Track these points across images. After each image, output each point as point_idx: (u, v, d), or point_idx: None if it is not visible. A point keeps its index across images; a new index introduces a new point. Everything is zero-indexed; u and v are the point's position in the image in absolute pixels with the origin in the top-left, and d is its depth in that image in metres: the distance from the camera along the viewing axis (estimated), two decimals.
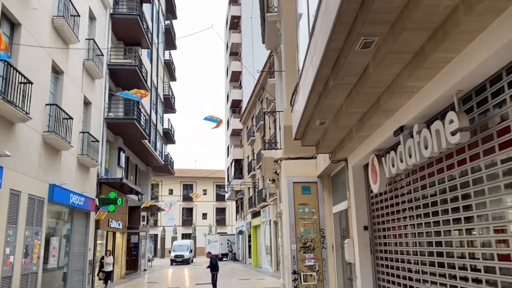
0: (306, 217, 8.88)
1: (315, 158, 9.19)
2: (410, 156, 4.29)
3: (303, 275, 8.56)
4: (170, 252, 41.32)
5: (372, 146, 5.61)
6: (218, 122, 11.70)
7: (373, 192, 6.51)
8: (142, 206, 23.38)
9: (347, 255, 6.93)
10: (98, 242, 20.56)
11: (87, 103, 19.20)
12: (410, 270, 5.32)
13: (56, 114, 14.87)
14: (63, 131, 15.32)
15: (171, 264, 38.10)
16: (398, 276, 5.63)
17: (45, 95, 14.60)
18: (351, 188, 6.87)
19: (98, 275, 17.80)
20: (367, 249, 6.51)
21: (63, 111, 15.40)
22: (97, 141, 19.39)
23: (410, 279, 5.29)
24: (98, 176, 20.19)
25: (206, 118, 11.37)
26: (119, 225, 23.15)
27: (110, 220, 21.59)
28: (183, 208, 63.84)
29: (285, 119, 9.04)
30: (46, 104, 14.53)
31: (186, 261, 38.84)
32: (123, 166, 24.62)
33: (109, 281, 17.84)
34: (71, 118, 15.94)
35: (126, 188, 22.38)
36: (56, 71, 15.85)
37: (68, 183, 16.02)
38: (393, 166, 4.90)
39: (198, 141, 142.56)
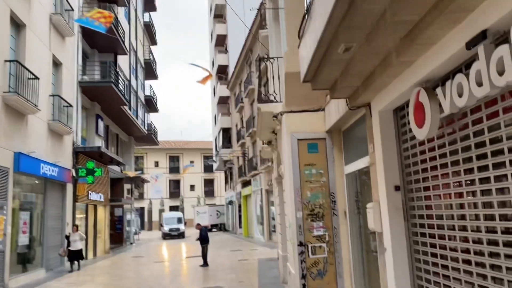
0: (314, 179, 7.47)
1: (323, 110, 7.70)
2: (501, 74, 2.83)
3: (311, 247, 7.23)
4: (161, 226, 38.71)
5: (418, 76, 4.15)
6: (207, 76, 10.07)
7: (407, 143, 5.10)
8: (125, 176, 21.74)
9: (371, 223, 5.57)
10: (77, 216, 19.05)
11: (57, 64, 17.22)
12: (460, 239, 3.99)
13: (18, 72, 12.99)
14: (28, 93, 13.48)
15: (164, 239, 35.04)
16: (444, 247, 4.30)
17: (3, 50, 12.67)
18: (376, 140, 5.44)
19: (60, 253, 15.45)
20: (399, 214, 5.15)
21: (27, 69, 13.51)
22: (70, 106, 17.55)
23: (460, 250, 3.97)
24: (73, 145, 18.47)
25: (193, 64, 9.72)
26: (100, 198, 21.62)
27: (90, 192, 20.02)
28: (170, 180, 62.43)
29: (286, 64, 7.49)
30: (6, 61, 12.62)
31: (181, 235, 35.50)
32: (102, 135, 22.85)
33: (80, 261, 15.65)
34: (36, 78, 14.06)
35: (106, 158, 20.73)
36: (17, 24, 13.84)
37: (37, 151, 14.31)
38: (460, 96, 3.45)
39: (184, 112, 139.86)
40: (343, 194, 7.46)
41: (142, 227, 55.33)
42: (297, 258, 7.22)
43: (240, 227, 35.60)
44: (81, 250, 15.77)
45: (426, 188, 4.67)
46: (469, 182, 3.90)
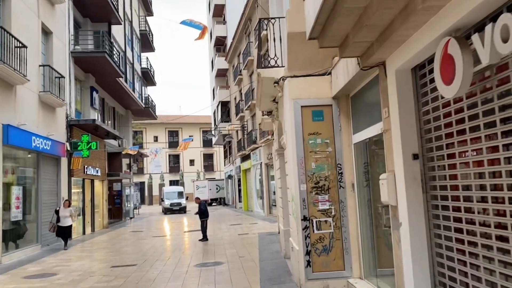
0: (319, 149, 6.91)
1: (330, 74, 7.07)
2: None
3: (316, 221, 6.74)
4: (161, 200, 38.11)
5: (446, 24, 3.53)
6: (202, 29, 9.33)
7: (427, 105, 4.51)
8: (123, 150, 21.18)
9: (384, 195, 5.05)
10: (73, 191, 18.64)
11: (47, 32, 16.40)
12: (493, 212, 3.47)
13: (4, 39, 12.24)
14: (15, 62, 12.77)
15: (165, 213, 34.27)
16: (470, 221, 3.79)
17: None
18: (392, 103, 4.85)
19: (50, 229, 14.28)
20: (417, 185, 4.62)
21: (13, 37, 12.75)
22: (62, 77, 16.84)
23: (493, 225, 3.46)
24: (67, 118, 17.86)
25: (184, 23, 9.00)
26: (97, 172, 21.17)
27: (86, 166, 19.54)
28: (169, 155, 62.10)
29: (289, 24, 6.81)
30: None
31: (183, 209, 34.62)
32: (98, 108, 22.19)
33: (68, 239, 14.69)
34: (24, 46, 13.31)
35: (102, 131, 20.15)
36: None
37: (28, 124, 13.71)
38: (505, 42, 2.84)
39: (182, 86, 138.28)
40: (351, 165, 6.91)
41: (142, 201, 55.33)
42: (301, 234, 6.75)
43: (239, 201, 35.38)
44: (70, 227, 14.65)
45: (451, 156, 4.11)
46: (505, 147, 3.33)
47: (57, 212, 14.48)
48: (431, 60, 4.37)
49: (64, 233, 14.42)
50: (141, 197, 55.86)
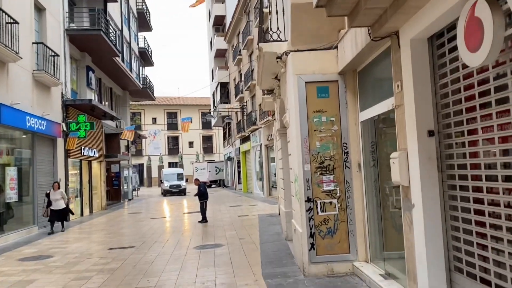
0: (324, 128, 6.57)
1: (336, 48, 6.67)
2: None
3: (320, 203, 6.45)
4: (161, 182, 37.51)
5: None
6: None
7: (445, 78, 4.15)
8: (121, 132, 20.80)
9: (395, 175, 4.73)
10: (71, 172, 18.35)
11: (40, 9, 15.84)
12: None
13: None
14: (6, 38, 12.29)
15: (164, 195, 33.54)
16: (492, 202, 3.48)
17: None
18: (406, 76, 4.49)
19: (43, 214, 13.67)
20: (432, 164, 4.30)
21: (4, 12, 12.24)
22: (57, 55, 16.35)
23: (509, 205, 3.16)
24: (63, 97, 17.43)
25: None
26: (94, 153, 20.85)
27: (83, 147, 19.22)
28: (168, 137, 61.86)
29: None
30: None
31: (182, 192, 33.83)
32: (94, 88, 21.73)
33: (64, 222, 14.20)
34: (16, 22, 12.81)
35: (98, 111, 19.74)
36: None
37: (21, 103, 13.31)
38: None
39: (181, 67, 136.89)
40: (357, 144, 6.58)
41: (141, 183, 55.27)
42: (305, 215, 6.46)
43: (239, 183, 35.23)
44: (65, 209, 14.07)
45: (472, 132, 3.78)
46: None
47: (47, 195, 13.84)
48: (450, 28, 4.00)
49: (59, 216, 13.88)
50: (140, 179, 55.82)
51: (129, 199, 29.64)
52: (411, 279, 4.69)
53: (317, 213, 6.49)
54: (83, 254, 9.75)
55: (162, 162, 56.84)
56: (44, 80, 15.15)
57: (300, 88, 6.59)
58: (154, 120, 61.50)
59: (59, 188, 14.03)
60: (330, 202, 6.52)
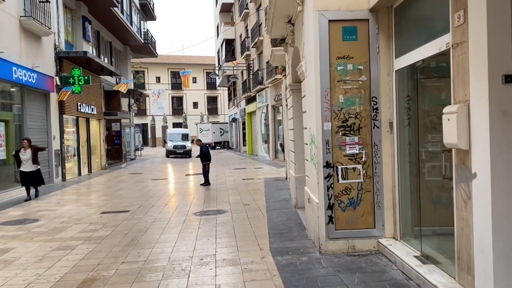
0: (349, 78, 5.39)
1: None
2: None
3: (342, 169, 5.38)
4: (164, 142, 36.06)
5: None
6: None
7: None
8: (114, 88, 19.52)
9: (450, 135, 3.63)
10: (67, 129, 17.37)
11: None
12: None
13: None
14: None
15: (167, 156, 31.40)
16: None
17: None
18: (474, 2, 3.30)
19: (15, 180, 11.63)
20: (507, 121, 3.18)
21: None
22: (47, 1, 14.91)
23: None
24: (55, 49, 16.15)
25: None
26: (92, 110, 19.79)
27: (80, 104, 18.13)
28: (172, 97, 60.57)
29: None
30: None
31: (187, 153, 31.20)
32: (91, 40, 20.35)
33: (38, 187, 11.94)
34: None
35: (95, 66, 18.47)
36: None
37: (6, 52, 12.10)
38: None
39: (185, 24, 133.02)
40: (390, 99, 5.42)
41: (145, 143, 54.62)
42: (323, 183, 5.41)
43: (244, 145, 34.27)
44: (37, 171, 11.64)
45: None
46: None
47: (15, 155, 11.55)
48: None
49: (30, 180, 11.53)
50: (143, 139, 55.10)
51: (131, 159, 28.86)
52: (463, 269, 3.68)
53: (338, 180, 5.44)
54: (72, 218, 8.88)
55: (166, 122, 55.84)
56: (33, 28, 13.85)
57: (321, 28, 5.36)
58: (158, 79, 60.04)
59: (30, 146, 11.53)
60: (354, 168, 5.44)
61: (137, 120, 54.40)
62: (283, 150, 18.40)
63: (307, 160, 6.46)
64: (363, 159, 5.45)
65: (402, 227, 5.33)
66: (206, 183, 13.73)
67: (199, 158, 14.38)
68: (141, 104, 57.48)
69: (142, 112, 57.40)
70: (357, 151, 5.44)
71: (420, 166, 5.08)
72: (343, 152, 5.44)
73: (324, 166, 5.41)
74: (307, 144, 6.44)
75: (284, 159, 19.89)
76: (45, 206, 10.52)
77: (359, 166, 5.45)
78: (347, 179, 5.44)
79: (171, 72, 60.21)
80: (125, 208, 9.95)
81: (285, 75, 12.57)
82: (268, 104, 24.48)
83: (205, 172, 13.88)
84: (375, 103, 5.43)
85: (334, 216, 5.42)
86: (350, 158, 5.45)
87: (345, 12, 5.37)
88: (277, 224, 7.52)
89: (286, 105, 12.86)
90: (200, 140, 14.67)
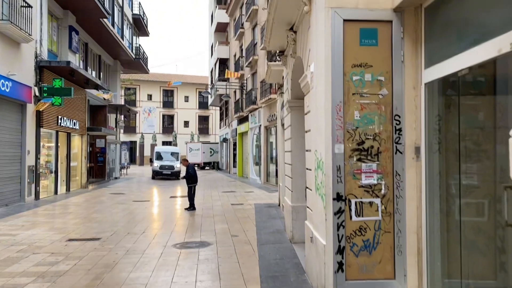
0: (367, 91, 4.40)
1: None
2: None
3: (356, 203, 4.31)
4: (150, 161, 32.88)
5: None
6: None
7: None
8: (108, 104, 18.26)
9: None
10: (45, 144, 16.14)
11: None
12: None
13: None
14: None
15: (153, 178, 27.70)
16: None
17: None
18: None
19: None
20: None
21: None
22: (29, 6, 13.94)
23: None
24: (36, 57, 15.08)
25: None
26: (74, 125, 18.59)
27: (61, 117, 16.96)
28: (163, 115, 59.54)
29: None
30: None
31: (175, 175, 27.37)
32: (78, 52, 19.33)
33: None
34: None
35: (80, 77, 17.39)
36: None
37: None
38: None
39: (180, 44, 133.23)
40: (416, 118, 4.41)
41: (133, 161, 53.17)
42: (331, 220, 4.33)
43: (234, 166, 33.12)
44: None
45: None
46: None
47: None
48: None
49: None
50: (131, 157, 53.66)
51: (115, 178, 27.48)
52: None
53: (351, 217, 4.36)
54: (32, 246, 7.62)
55: (156, 140, 54.53)
56: (11, 33, 12.81)
57: (335, 28, 4.38)
58: (150, 97, 59.10)
59: None
60: (371, 203, 4.38)
61: (125, 138, 53.09)
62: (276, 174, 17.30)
63: (310, 190, 5.38)
64: (383, 191, 4.39)
65: (430, 278, 4.23)
66: (191, 207, 12.54)
67: (184, 180, 13.23)
68: (130, 121, 56.34)
69: (131, 129, 56.20)
70: (375, 182, 4.39)
71: (456, 203, 4.03)
72: (358, 182, 4.39)
73: (334, 199, 4.34)
74: (310, 169, 5.38)
75: (276, 183, 18.79)
76: (6, 230, 9.23)
77: (377, 200, 4.39)
78: (362, 216, 4.36)
79: (163, 90, 59.38)
80: (97, 235, 8.72)
81: (282, 93, 11.62)
82: (261, 125, 23.53)
83: (191, 195, 12.70)
84: (398, 122, 4.42)
85: (344, 263, 4.32)
86: (367, 189, 4.39)
87: (363, 11, 4.41)
88: (270, 263, 6.36)
89: (282, 125, 11.86)
90: (187, 160, 13.53)
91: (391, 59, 4.43)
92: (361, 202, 4.38)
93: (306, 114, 5.75)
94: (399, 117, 4.42)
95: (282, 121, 11.84)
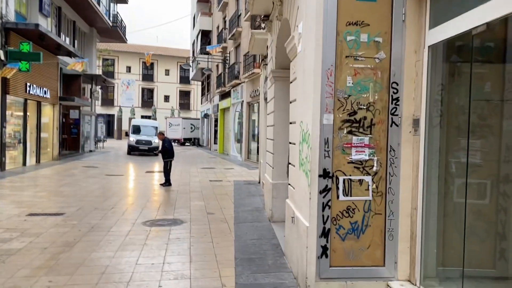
0: (362, 54, 3.84)
1: None
2: None
3: (344, 181, 3.80)
4: (126, 135, 30.47)
5: None
6: None
7: None
8: (68, 67, 16.98)
9: None
10: (11, 112, 15.16)
11: None
12: None
13: None
14: None
15: (129, 153, 25.32)
16: None
17: None
18: None
19: None
20: None
21: None
22: None
23: None
24: (1, 18, 13.93)
25: None
26: (45, 94, 17.54)
27: (30, 85, 15.91)
28: (143, 89, 58.01)
29: None
30: None
31: (152, 150, 24.86)
32: (49, 15, 18.08)
33: None
34: None
35: (50, 42, 16.28)
36: None
37: None
38: None
39: (160, 14, 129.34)
40: (417, 86, 3.89)
41: (110, 135, 51.88)
42: (316, 199, 3.83)
43: (215, 143, 32.47)
44: None
45: None
46: None
47: None
48: None
49: None
50: (109, 130, 52.36)
51: (90, 151, 26.52)
52: None
53: (338, 197, 3.86)
54: None
55: (134, 114, 53.12)
56: None
57: None
58: (129, 69, 57.38)
59: None
60: (360, 181, 3.88)
61: (103, 110, 51.56)
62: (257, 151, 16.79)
63: (293, 166, 4.86)
64: (374, 168, 3.90)
65: (424, 266, 3.80)
66: (167, 183, 11.95)
67: (160, 154, 12.59)
68: (108, 93, 54.72)
69: (109, 102, 54.69)
70: (367, 157, 3.89)
71: (456, 184, 3.58)
72: (347, 157, 3.87)
73: (320, 176, 3.82)
74: (294, 144, 4.84)
75: (257, 161, 18.31)
76: None
77: (368, 178, 3.89)
78: (351, 196, 3.87)
79: (142, 62, 57.58)
80: (61, 209, 8.07)
81: (265, 64, 10.98)
82: (243, 101, 22.85)
83: (166, 170, 12.09)
84: (395, 91, 3.89)
85: (329, 247, 3.84)
86: (357, 166, 3.88)
87: None
88: (247, 244, 5.88)
89: (265, 98, 11.27)
90: (163, 134, 12.83)
91: (391, 18, 3.86)
92: (350, 179, 3.87)
93: (291, 82, 5.17)
94: (397, 84, 3.89)
95: (265, 95, 11.24)
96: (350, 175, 3.88)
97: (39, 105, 17.50)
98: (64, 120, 22.11)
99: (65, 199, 9.33)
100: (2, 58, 13.85)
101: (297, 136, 4.53)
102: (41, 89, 17.13)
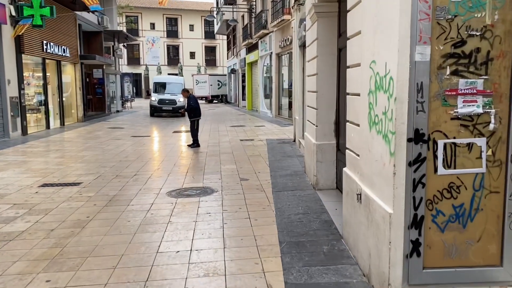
0: None
1: None
2: None
3: (446, 146, 2.53)
4: (147, 94, 27.66)
5: None
6: None
7: None
8: (103, 30, 15.69)
9: None
10: (30, 73, 14.37)
11: None
12: None
13: None
14: None
15: (152, 115, 22.61)
16: None
17: None
18: None
19: None
20: None
21: None
22: None
23: None
24: None
25: None
26: (64, 52, 16.62)
27: (47, 42, 14.97)
28: (168, 46, 56.68)
29: None
30: None
31: (177, 110, 21.26)
32: None
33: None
34: None
35: None
36: None
37: None
38: None
39: None
40: None
41: (138, 94, 51.41)
42: (403, 175, 2.62)
43: (243, 99, 31.21)
44: None
45: None
46: None
47: None
48: None
49: None
50: (137, 90, 51.81)
51: (117, 111, 25.90)
52: None
53: (435, 170, 2.64)
54: None
55: (161, 73, 52.20)
56: None
57: None
58: (153, 26, 55.91)
59: None
60: (470, 145, 2.63)
61: (129, 69, 50.80)
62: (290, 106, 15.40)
63: (356, 125, 3.60)
64: (491, 126, 2.62)
65: None
66: (195, 144, 10.97)
67: (185, 113, 11.54)
68: (134, 52, 53.77)
69: (135, 61, 53.90)
70: (480, 110, 2.61)
71: None
72: (450, 111, 2.61)
73: (409, 140, 2.59)
74: (357, 95, 3.56)
75: (289, 117, 17.05)
76: None
77: (481, 141, 2.63)
78: (455, 168, 2.64)
79: (166, 18, 55.94)
80: (78, 178, 7.23)
81: (300, 4, 9.46)
82: (272, 52, 21.24)
83: (194, 131, 11.07)
84: None
85: (423, 242, 2.67)
86: (465, 123, 2.62)
87: None
88: (291, 220, 4.79)
89: (301, 45, 9.84)
90: (188, 91, 11.68)
91: None
92: (454, 144, 2.63)
93: (350, 10, 3.80)
94: None
95: (301, 41, 9.80)
96: (454, 138, 2.62)
97: (59, 65, 16.64)
98: (87, 80, 21.34)
99: (85, 165, 8.50)
100: (13, 13, 12.84)
101: (365, 84, 3.26)
102: (60, 47, 16.18)
